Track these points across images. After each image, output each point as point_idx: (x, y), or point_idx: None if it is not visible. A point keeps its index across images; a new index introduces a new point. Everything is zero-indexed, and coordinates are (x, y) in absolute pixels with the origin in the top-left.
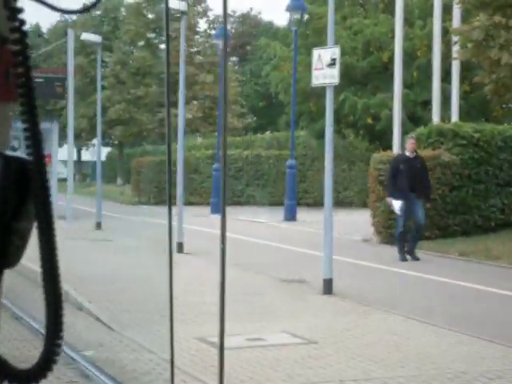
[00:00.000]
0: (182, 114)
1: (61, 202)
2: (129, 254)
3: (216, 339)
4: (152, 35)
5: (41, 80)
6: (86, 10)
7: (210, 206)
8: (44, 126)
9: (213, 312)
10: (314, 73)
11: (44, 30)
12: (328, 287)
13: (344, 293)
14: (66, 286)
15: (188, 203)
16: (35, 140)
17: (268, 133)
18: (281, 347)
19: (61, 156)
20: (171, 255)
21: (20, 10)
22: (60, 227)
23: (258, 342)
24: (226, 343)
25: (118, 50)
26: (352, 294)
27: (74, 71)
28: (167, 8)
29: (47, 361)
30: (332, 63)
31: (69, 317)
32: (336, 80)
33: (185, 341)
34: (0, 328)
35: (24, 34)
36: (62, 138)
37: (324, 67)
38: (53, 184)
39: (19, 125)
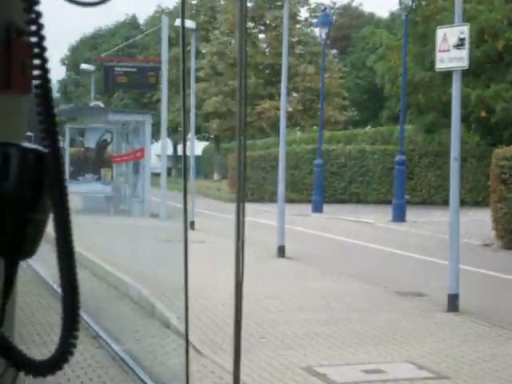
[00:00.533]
0: (283, 106)
1: (154, 198)
2: (224, 259)
3: (328, 370)
4: (251, 24)
5: (133, 70)
6: (103, 1)
7: (311, 204)
8: (137, 119)
9: (320, 333)
10: (439, 55)
11: (141, 21)
12: (453, 303)
13: (471, 310)
14: (152, 298)
15: (288, 201)
16: (51, 132)
17: (369, 127)
18: (405, 383)
19: (157, 150)
20: (186, 245)
21: (36, 2)
22: (153, 226)
23: (377, 376)
24: (339, 375)
25: (214, 40)
26: (481, 311)
27: (170, 63)
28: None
29: (63, 353)
30: (460, 44)
31: (155, 338)
32: (465, 63)
33: (290, 371)
34: (14, 319)
35: (40, 26)
36: (157, 131)
37: (450, 49)
38: (146, 179)
39: (111, 117)
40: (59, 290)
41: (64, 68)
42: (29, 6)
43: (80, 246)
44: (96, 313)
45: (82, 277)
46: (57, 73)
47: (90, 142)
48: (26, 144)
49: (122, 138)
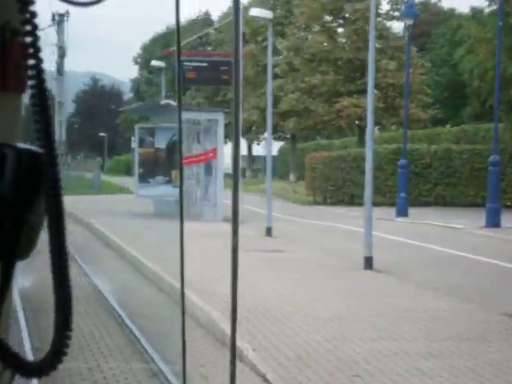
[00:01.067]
0: (370, 102)
1: (227, 200)
2: (305, 272)
3: None
4: (329, 18)
5: (204, 64)
6: (98, 1)
7: (394, 208)
8: (210, 117)
9: (424, 368)
10: None
11: (214, 17)
12: None
13: None
14: (223, 324)
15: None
16: (47, 132)
17: (449, 126)
18: None
19: (229, 151)
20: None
21: (31, 2)
22: (225, 232)
23: None
24: None
25: (291, 35)
26: None
27: (245, 59)
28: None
29: (57, 353)
30: None
31: (225, 374)
32: None
33: None
34: (10, 321)
35: (35, 26)
36: (231, 131)
37: None
38: (218, 181)
39: (182, 115)
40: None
41: (137, 67)
42: (24, 5)
43: (146, 257)
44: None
45: (149, 292)
46: (129, 72)
47: (161, 142)
48: (22, 145)
49: (194, 138)
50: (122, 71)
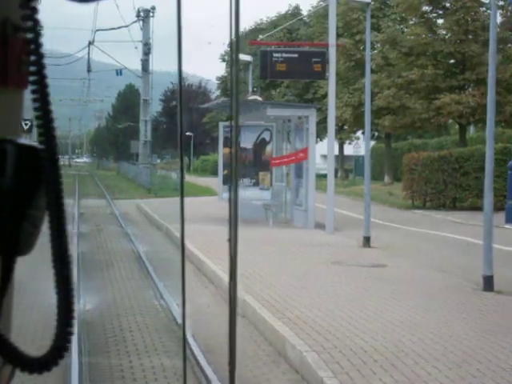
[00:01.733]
0: (491, 96)
1: (319, 204)
2: (414, 295)
3: None
4: (427, 8)
5: (294, 56)
6: None
7: (503, 213)
8: (300, 113)
9: None
10: None
11: (304, 12)
12: None
13: None
14: (322, 372)
15: (473, 208)
16: (47, 128)
17: None
18: None
19: (321, 151)
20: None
21: None
22: (319, 243)
23: None
24: None
25: (386, 28)
26: None
27: (338, 53)
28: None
29: (59, 348)
30: None
31: None
32: None
33: None
34: (11, 316)
35: (36, 21)
36: (322, 130)
37: None
38: (310, 184)
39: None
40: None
41: (223, 64)
42: (25, 1)
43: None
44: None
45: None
46: (216, 69)
47: (247, 141)
48: (22, 140)
49: (283, 137)
50: (209, 69)
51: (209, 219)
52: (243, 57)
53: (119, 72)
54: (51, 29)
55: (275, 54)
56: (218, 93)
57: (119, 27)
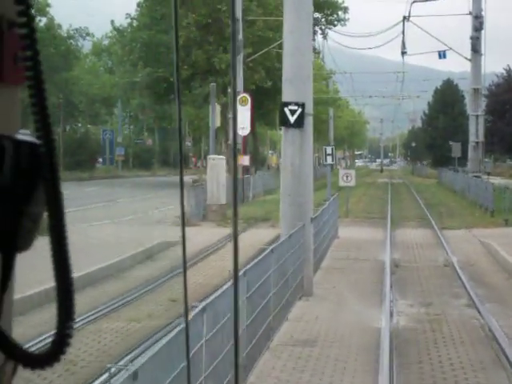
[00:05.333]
0: None
1: None
2: None
3: None
4: None
5: None
6: None
7: None
8: None
9: None
10: None
11: None
12: None
13: None
14: None
15: None
16: (45, 123)
17: None
18: None
19: None
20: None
21: None
22: None
23: None
24: None
25: None
26: None
27: None
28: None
29: (60, 344)
30: None
31: None
32: None
33: None
34: (12, 312)
35: (31, 17)
36: None
37: None
38: None
39: None
40: None
41: None
42: None
43: None
44: None
45: None
46: None
47: None
48: (20, 136)
49: None
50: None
51: None
52: None
53: (442, 54)
54: None
55: None
56: None
57: None
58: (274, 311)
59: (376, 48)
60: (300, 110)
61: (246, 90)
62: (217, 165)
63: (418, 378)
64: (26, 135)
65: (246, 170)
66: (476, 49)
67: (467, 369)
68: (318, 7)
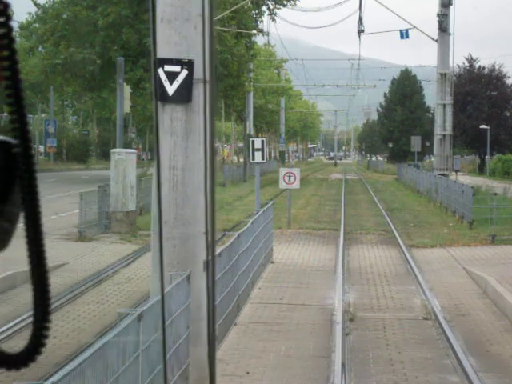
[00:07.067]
0: None
1: None
2: None
3: None
4: None
5: None
6: None
7: None
8: None
9: None
10: None
11: None
12: None
13: None
14: None
15: None
16: (22, 123)
17: None
18: None
19: None
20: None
21: None
22: None
23: None
24: None
25: None
26: None
27: None
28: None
29: (36, 345)
30: None
31: None
32: None
33: None
34: None
35: (8, 17)
36: None
37: None
38: None
39: None
40: None
41: None
42: None
43: None
44: None
45: None
46: None
47: None
48: None
49: None
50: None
51: None
52: None
53: (405, 33)
54: None
55: None
56: None
57: None
58: None
59: (332, 25)
60: (185, 72)
61: None
62: (123, 161)
63: None
64: (0, 135)
65: None
66: (443, 27)
67: None
68: None
